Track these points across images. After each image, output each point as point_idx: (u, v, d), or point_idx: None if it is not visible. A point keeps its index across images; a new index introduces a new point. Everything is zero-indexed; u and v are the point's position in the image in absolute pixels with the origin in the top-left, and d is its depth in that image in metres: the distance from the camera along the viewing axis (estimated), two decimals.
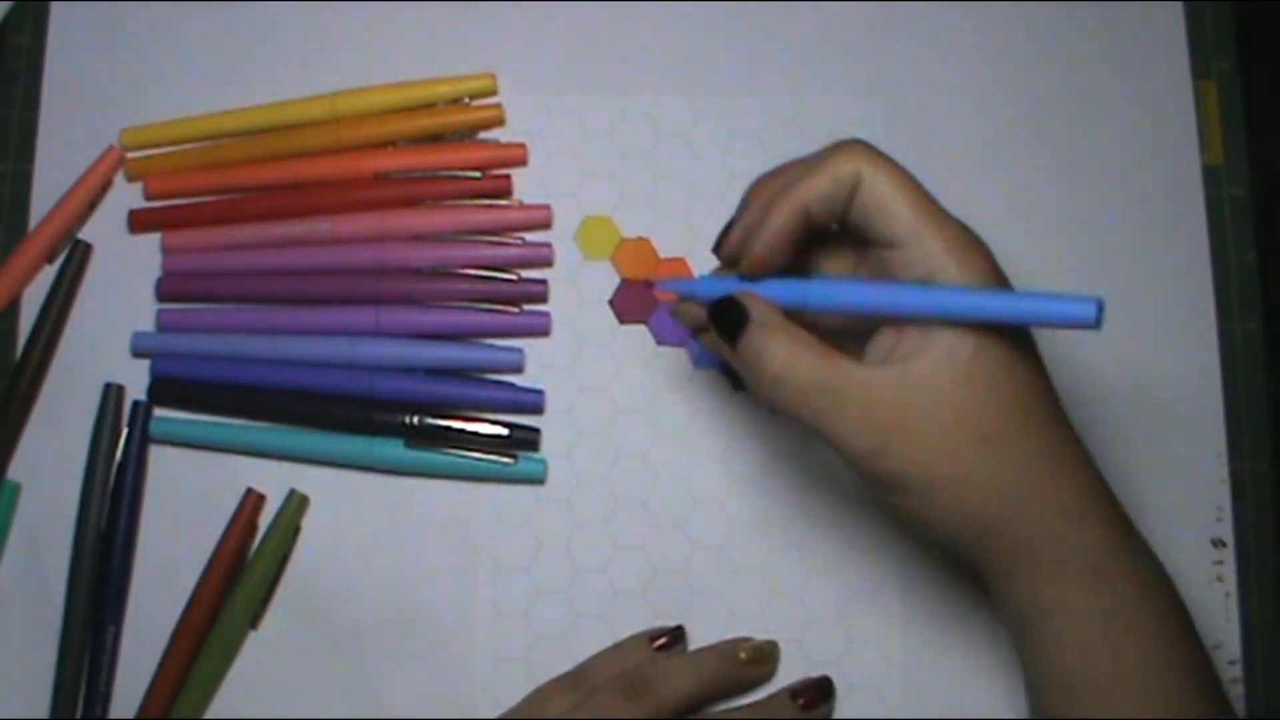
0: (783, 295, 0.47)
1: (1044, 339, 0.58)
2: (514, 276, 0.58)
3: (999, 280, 0.46)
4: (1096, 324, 0.42)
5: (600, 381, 0.58)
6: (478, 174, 0.59)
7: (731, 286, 0.48)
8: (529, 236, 0.59)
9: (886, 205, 0.45)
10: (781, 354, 0.45)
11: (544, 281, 0.58)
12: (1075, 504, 0.45)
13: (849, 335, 0.47)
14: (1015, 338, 0.45)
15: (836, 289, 0.47)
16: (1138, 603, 0.45)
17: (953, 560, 0.50)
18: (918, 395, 0.44)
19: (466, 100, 0.60)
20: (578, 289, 0.58)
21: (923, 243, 0.45)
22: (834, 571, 0.56)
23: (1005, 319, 0.44)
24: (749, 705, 0.54)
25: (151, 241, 0.59)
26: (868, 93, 0.60)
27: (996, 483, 0.44)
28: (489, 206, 0.59)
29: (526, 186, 0.59)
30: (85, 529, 0.56)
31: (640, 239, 0.59)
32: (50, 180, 0.59)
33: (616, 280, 0.58)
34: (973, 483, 0.44)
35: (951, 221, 0.45)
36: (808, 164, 0.46)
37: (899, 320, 0.45)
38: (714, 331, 0.47)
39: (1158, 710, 0.44)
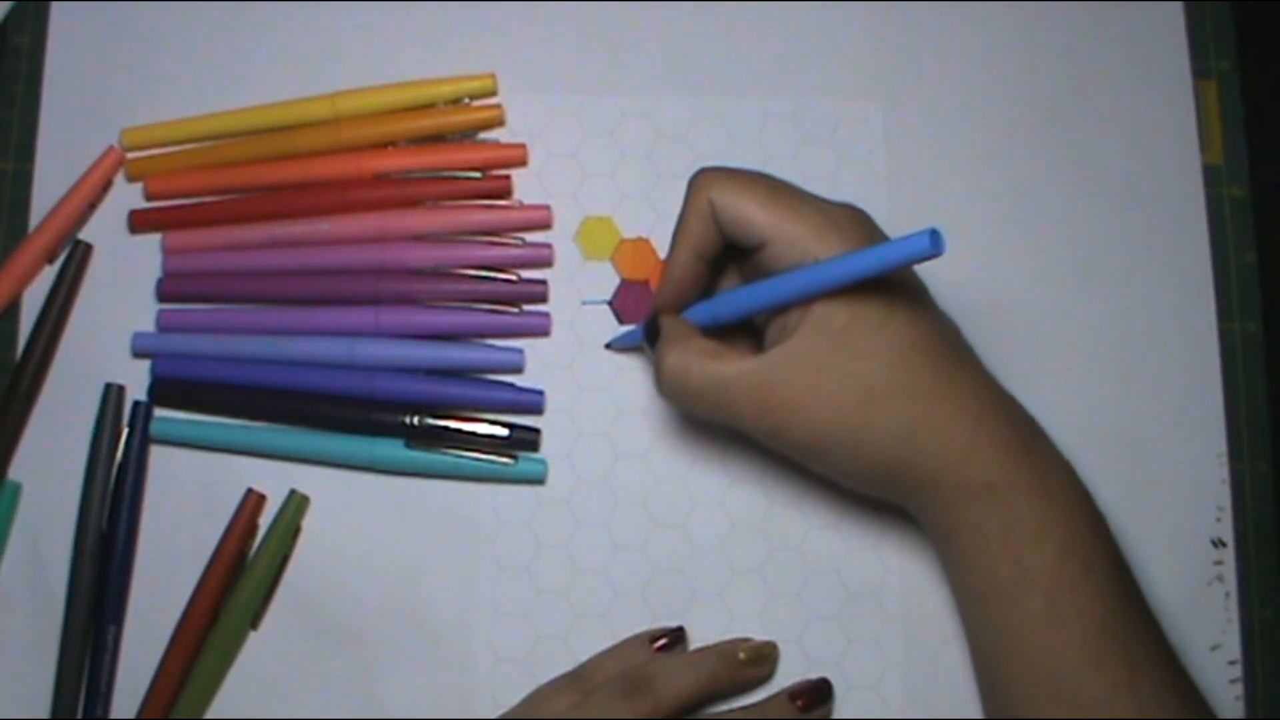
0: (698, 316, 0.52)
1: (1046, 338, 0.58)
2: (514, 277, 0.58)
3: (863, 243, 0.49)
4: (934, 251, 0.45)
5: (600, 382, 0.58)
6: (478, 174, 0.59)
7: None
8: (529, 237, 0.59)
9: (742, 218, 0.50)
10: (670, 363, 0.50)
11: (544, 282, 0.58)
12: (966, 439, 0.49)
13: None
14: (889, 296, 0.49)
15: (730, 299, 0.52)
16: (1039, 514, 0.48)
17: (883, 502, 0.53)
18: (799, 369, 0.49)
19: (467, 100, 0.60)
20: (578, 289, 0.58)
21: (783, 236, 0.49)
22: (834, 571, 0.56)
23: (856, 278, 0.47)
24: (748, 706, 0.54)
25: (151, 242, 0.59)
26: (868, 93, 0.60)
27: (885, 434, 0.49)
28: (489, 207, 0.59)
29: (526, 187, 0.59)
30: (85, 529, 0.56)
31: (640, 239, 0.59)
32: (50, 180, 0.59)
33: (616, 280, 0.59)
34: (865, 438, 0.49)
35: (808, 206, 0.50)
36: (683, 210, 0.52)
37: (780, 309, 0.50)
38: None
39: (1062, 608, 0.47)
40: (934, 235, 0.45)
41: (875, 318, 0.49)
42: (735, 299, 0.51)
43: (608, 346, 0.58)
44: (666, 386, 0.51)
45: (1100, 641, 0.47)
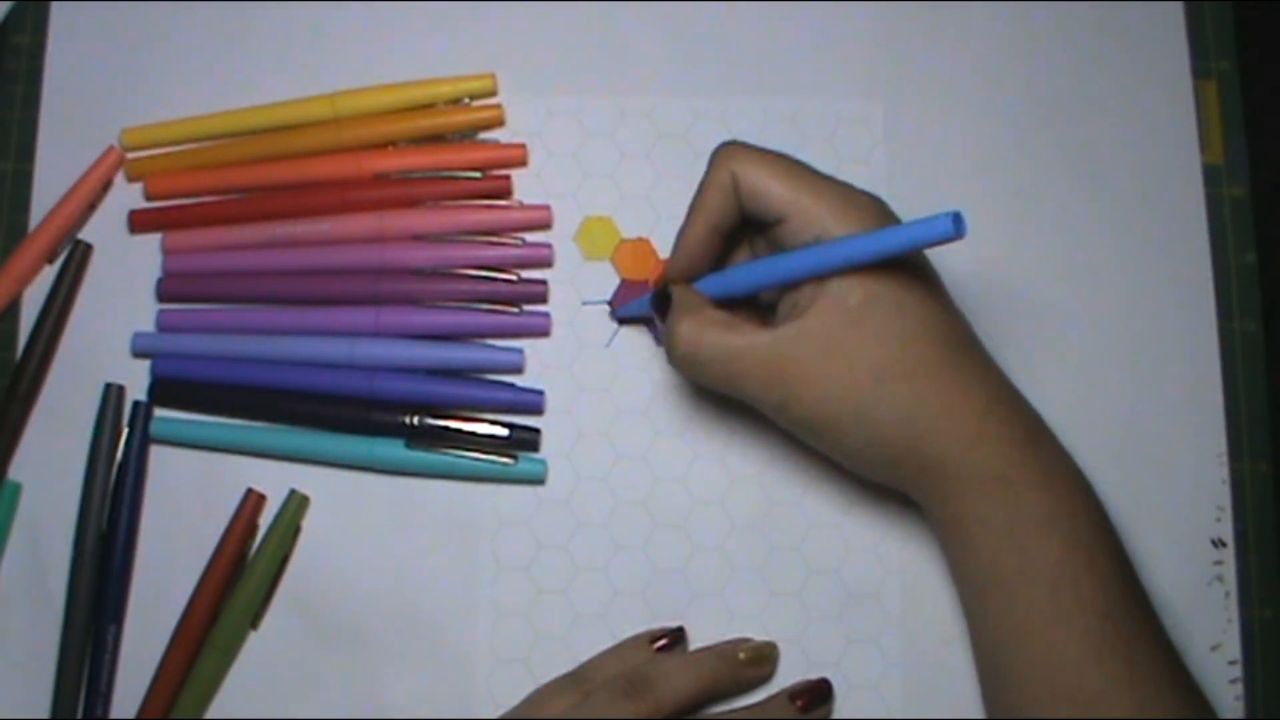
0: (710, 288, 0.52)
1: (1046, 339, 0.58)
2: (514, 277, 0.58)
3: (881, 226, 0.49)
4: (957, 234, 0.45)
5: (600, 382, 0.58)
6: (478, 174, 0.59)
7: None
8: (529, 237, 0.59)
9: (762, 191, 0.50)
10: (683, 331, 0.51)
11: (544, 282, 0.58)
12: (974, 426, 0.49)
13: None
14: (905, 278, 0.49)
15: (743, 271, 0.52)
16: (1044, 507, 0.48)
17: (888, 487, 0.53)
18: (812, 345, 0.49)
19: (466, 100, 0.60)
20: (578, 289, 0.58)
21: (801, 211, 0.49)
22: (834, 571, 0.56)
23: (876, 256, 0.48)
24: (748, 706, 0.54)
25: (151, 242, 0.59)
26: (868, 93, 0.60)
27: (894, 415, 0.49)
28: (489, 207, 0.59)
29: (526, 187, 0.59)
30: (85, 529, 0.56)
31: (640, 239, 0.59)
32: (50, 180, 0.59)
33: (616, 280, 0.58)
34: (873, 417, 0.49)
35: (829, 185, 0.50)
36: (702, 182, 0.52)
37: (794, 284, 0.50)
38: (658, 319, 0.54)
39: (1064, 602, 0.47)
40: (957, 218, 0.45)
41: (890, 299, 0.49)
42: (750, 272, 0.52)
43: (614, 316, 0.58)
44: (678, 355, 0.51)
45: (1101, 636, 0.47)
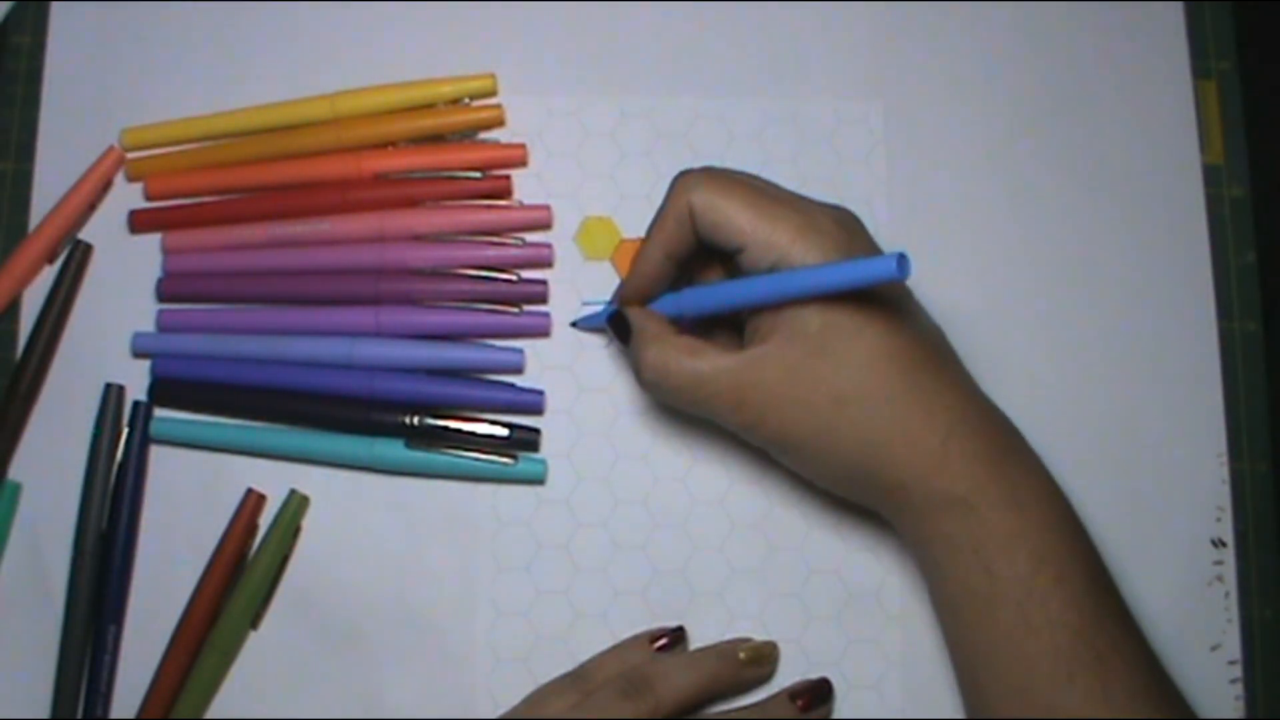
0: (663, 308, 0.54)
1: (1046, 338, 0.58)
2: (514, 277, 0.58)
3: (846, 253, 0.49)
4: (900, 275, 0.45)
5: (600, 382, 0.58)
6: (478, 174, 0.59)
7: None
8: (529, 237, 0.59)
9: (722, 220, 0.50)
10: (650, 358, 0.51)
11: (544, 282, 0.58)
12: (936, 449, 0.49)
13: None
14: (865, 303, 0.49)
15: (694, 295, 0.53)
16: (1010, 525, 0.48)
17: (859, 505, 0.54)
18: (774, 371, 0.49)
19: (466, 101, 0.60)
20: (578, 289, 0.58)
21: (761, 239, 0.50)
22: (834, 571, 0.56)
23: (819, 291, 0.48)
24: (748, 706, 0.54)
25: (152, 242, 0.59)
26: (868, 93, 0.60)
27: (856, 440, 0.49)
28: (489, 207, 0.59)
29: (526, 187, 0.59)
30: (85, 529, 0.56)
31: (640, 239, 0.59)
32: (50, 180, 0.59)
33: (616, 280, 0.58)
34: (835, 441, 0.49)
35: (790, 211, 0.50)
36: (661, 208, 0.52)
37: (751, 309, 0.51)
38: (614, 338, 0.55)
39: (1034, 619, 0.47)
40: (901, 259, 0.45)
41: (850, 324, 0.49)
42: (700, 297, 0.52)
43: (573, 325, 0.58)
44: (646, 381, 0.52)
45: (1073, 653, 0.47)
